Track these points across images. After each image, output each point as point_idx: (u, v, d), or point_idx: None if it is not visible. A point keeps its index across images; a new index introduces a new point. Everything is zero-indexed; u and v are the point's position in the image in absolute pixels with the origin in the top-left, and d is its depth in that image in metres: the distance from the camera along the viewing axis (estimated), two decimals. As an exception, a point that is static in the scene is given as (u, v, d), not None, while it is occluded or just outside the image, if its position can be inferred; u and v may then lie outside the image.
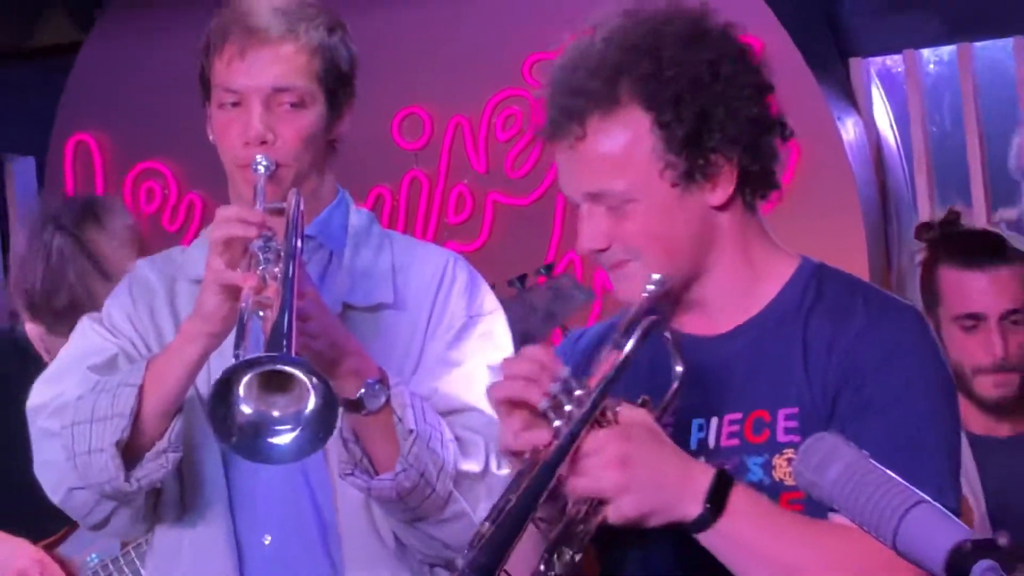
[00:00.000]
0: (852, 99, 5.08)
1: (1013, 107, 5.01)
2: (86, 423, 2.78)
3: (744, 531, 2.23)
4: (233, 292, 2.72)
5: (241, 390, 2.55)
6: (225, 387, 2.54)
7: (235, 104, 2.84)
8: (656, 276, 2.35)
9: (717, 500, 2.22)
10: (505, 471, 2.84)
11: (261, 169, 2.80)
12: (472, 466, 2.83)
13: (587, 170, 2.35)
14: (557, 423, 2.23)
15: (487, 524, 2.18)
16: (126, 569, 3.82)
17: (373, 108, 5.17)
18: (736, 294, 2.43)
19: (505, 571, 2.15)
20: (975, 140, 5.03)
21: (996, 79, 5.09)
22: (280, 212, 2.81)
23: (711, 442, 2.37)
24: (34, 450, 2.89)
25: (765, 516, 2.23)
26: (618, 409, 2.26)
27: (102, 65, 5.77)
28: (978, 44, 5.08)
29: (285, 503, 2.89)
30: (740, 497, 2.23)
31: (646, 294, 2.35)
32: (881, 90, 5.20)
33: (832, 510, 2.08)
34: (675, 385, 2.32)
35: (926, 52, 5.18)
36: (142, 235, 4.15)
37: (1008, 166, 5.11)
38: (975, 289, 3.63)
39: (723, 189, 2.37)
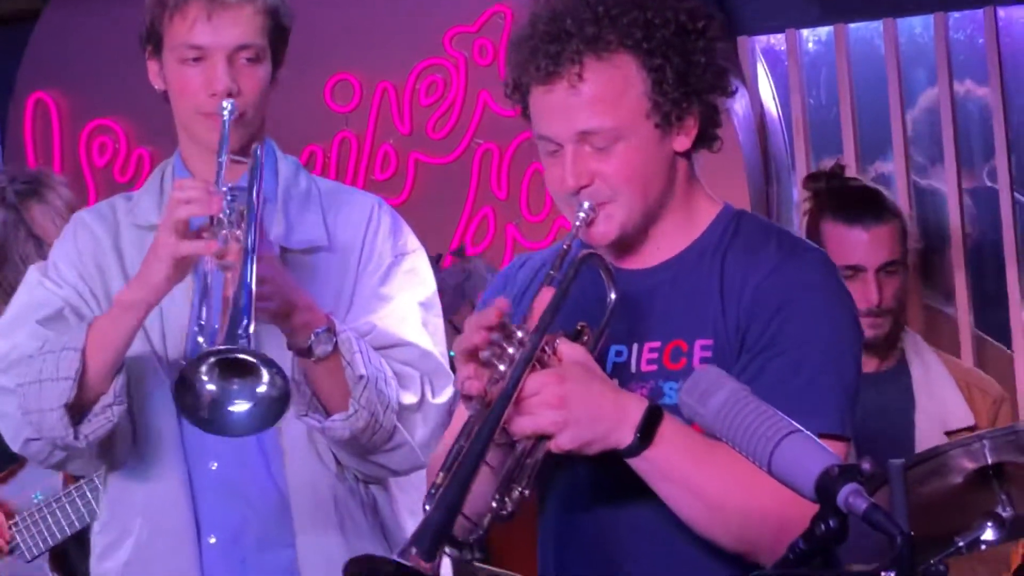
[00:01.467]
0: (739, 73, 5.09)
1: (882, 82, 5.03)
2: (35, 383, 2.77)
3: (670, 459, 2.24)
4: (185, 265, 2.70)
5: (203, 372, 2.53)
6: (186, 376, 2.53)
7: (196, 60, 2.83)
8: (586, 205, 2.32)
9: (647, 430, 2.22)
10: (440, 400, 2.84)
11: (225, 114, 2.78)
12: (410, 398, 2.83)
13: (581, 109, 2.33)
14: (502, 367, 2.21)
15: (441, 474, 2.17)
16: (68, 507, 3.78)
17: (308, 74, 5.15)
18: (669, 234, 2.42)
19: (463, 514, 2.14)
20: (848, 111, 5.06)
21: (867, 57, 5.11)
22: (241, 163, 2.79)
23: (632, 367, 2.37)
24: None
25: (689, 447, 2.24)
26: (557, 343, 2.25)
27: (60, 30, 5.70)
28: (852, 26, 5.11)
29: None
30: (668, 428, 2.24)
31: (579, 225, 2.33)
32: (765, 65, 5.22)
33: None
34: (608, 313, 2.31)
35: (806, 32, 5.20)
36: (93, 187, 4.11)
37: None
38: (856, 244, 3.67)
39: (686, 135, 2.39)
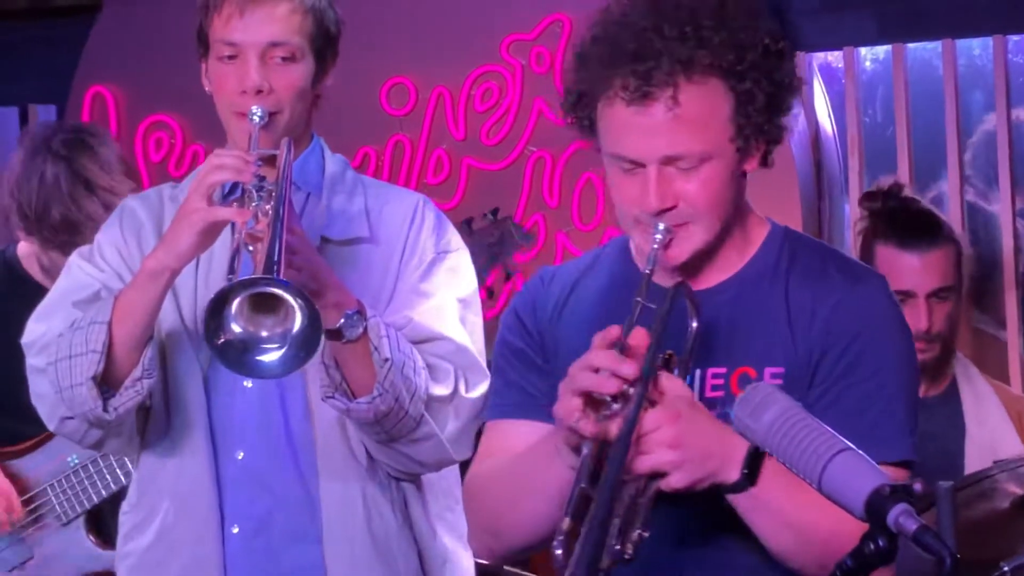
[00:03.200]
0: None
1: (939, 102, 5.00)
2: (66, 359, 2.78)
3: (771, 494, 2.22)
4: (213, 232, 2.70)
5: (233, 308, 2.53)
6: (219, 305, 2.52)
7: (232, 57, 2.85)
8: (662, 227, 2.29)
9: (753, 467, 2.20)
10: (473, 395, 2.83)
11: (256, 119, 2.80)
12: (442, 390, 2.82)
13: (673, 133, 2.27)
14: (616, 405, 2.18)
15: (568, 519, 2.14)
16: (104, 470, 3.80)
17: (364, 77, 5.16)
18: (725, 254, 2.40)
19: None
20: (903, 131, 5.03)
21: (925, 77, 5.08)
22: (271, 160, 2.80)
23: (696, 392, 2.34)
24: (29, 384, 2.87)
25: (787, 482, 2.20)
26: (659, 376, 2.22)
27: (120, 25, 5.73)
28: (910, 45, 5.07)
29: (259, 423, 2.88)
30: (772, 465, 2.20)
31: (656, 247, 2.28)
32: (821, 82, 5.19)
33: None
34: (692, 341, 2.27)
35: (863, 50, 5.16)
36: (125, 160, 4.13)
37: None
38: (908, 269, 3.62)
39: (755, 157, 2.35)
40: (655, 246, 2.29)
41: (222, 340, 2.54)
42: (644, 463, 2.18)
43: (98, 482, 3.80)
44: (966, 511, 2.94)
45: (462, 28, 5.35)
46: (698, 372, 2.35)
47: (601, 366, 2.19)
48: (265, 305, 2.55)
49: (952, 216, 4.83)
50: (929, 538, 1.76)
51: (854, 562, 1.79)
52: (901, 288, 3.59)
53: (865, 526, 1.88)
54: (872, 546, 1.79)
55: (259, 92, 2.81)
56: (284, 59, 2.85)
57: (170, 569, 2.91)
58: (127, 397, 2.78)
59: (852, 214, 5.04)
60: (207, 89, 2.92)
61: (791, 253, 2.40)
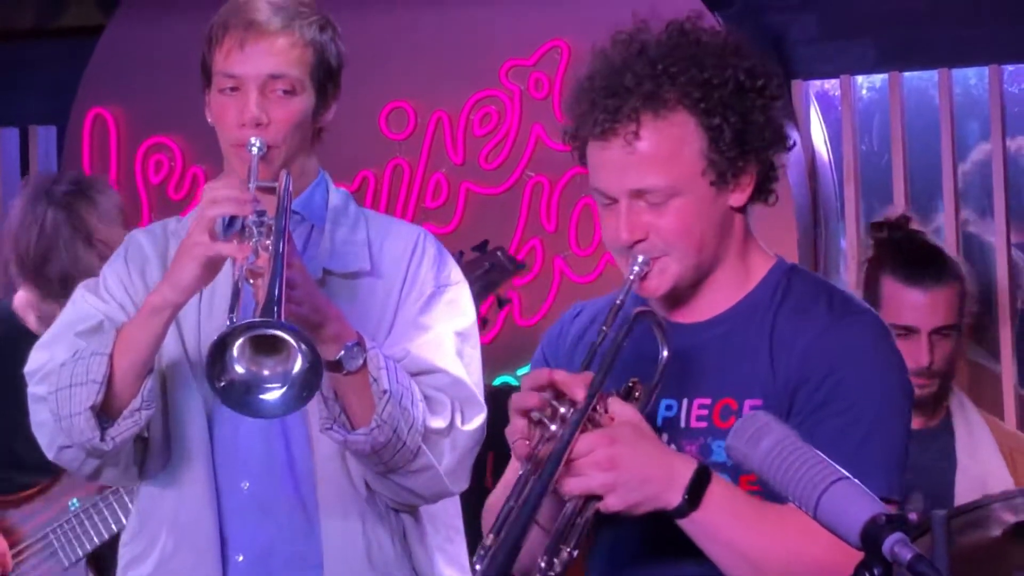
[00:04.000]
0: (792, 117, 5.08)
1: (935, 131, 5.01)
2: (66, 388, 2.78)
3: (717, 520, 2.24)
4: (215, 266, 2.71)
5: (235, 351, 2.54)
6: (221, 347, 2.53)
7: (233, 89, 2.85)
8: (640, 259, 2.32)
9: (695, 492, 2.21)
10: (469, 427, 2.85)
11: (255, 150, 2.80)
12: (439, 423, 2.82)
13: (637, 167, 2.31)
14: (553, 427, 2.21)
15: (492, 535, 2.18)
16: (105, 512, 3.80)
17: (363, 100, 5.17)
18: (722, 288, 2.41)
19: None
20: (900, 159, 5.04)
21: (921, 106, 5.09)
22: (271, 190, 2.80)
23: (682, 422, 2.36)
24: (30, 412, 2.88)
25: (736, 509, 2.24)
26: (609, 402, 2.24)
27: (121, 47, 5.74)
28: (907, 74, 5.09)
29: (263, 454, 2.88)
30: (716, 490, 2.23)
31: (632, 279, 2.33)
32: (818, 110, 5.20)
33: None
34: (660, 370, 2.30)
35: (860, 78, 5.18)
36: (125, 211, 4.14)
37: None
38: (912, 305, 3.61)
39: (743, 191, 2.36)
40: (631, 277, 2.34)
41: (224, 382, 2.55)
42: (576, 485, 2.21)
43: (99, 524, 3.80)
44: (959, 539, 2.94)
45: (462, 53, 5.36)
46: (685, 402, 2.38)
47: (531, 385, 2.26)
48: (267, 345, 2.56)
49: (947, 246, 4.84)
50: (924, 567, 1.76)
51: (849, 591, 1.79)
52: (905, 323, 3.58)
53: (829, 562, 1.90)
54: (867, 575, 1.79)
55: (258, 125, 2.82)
56: (285, 92, 2.84)
57: (169, 600, 2.91)
58: (125, 428, 2.78)
59: (848, 242, 5.05)
60: (209, 121, 2.92)
61: (786, 288, 2.41)
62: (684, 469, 2.23)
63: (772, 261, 2.45)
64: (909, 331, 3.58)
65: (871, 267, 3.71)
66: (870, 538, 1.80)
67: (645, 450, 2.23)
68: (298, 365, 2.55)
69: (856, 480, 1.89)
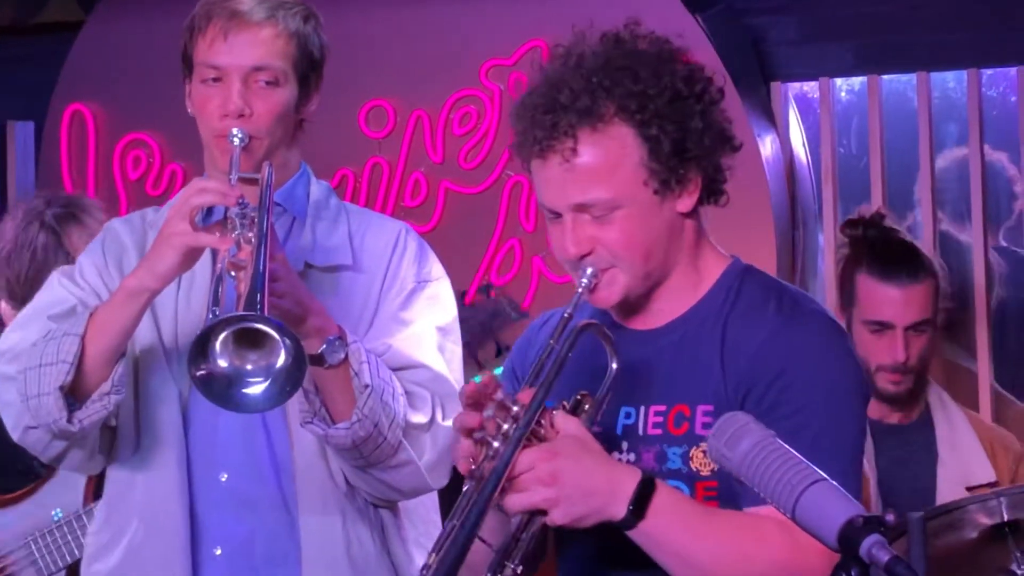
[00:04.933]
0: (771, 119, 5.09)
1: (913, 134, 5.02)
2: (35, 368, 2.77)
3: (663, 530, 2.23)
4: (194, 255, 2.70)
5: (218, 345, 2.53)
6: (203, 341, 2.52)
7: (216, 80, 2.84)
8: (589, 271, 2.32)
9: (640, 503, 2.20)
10: (449, 423, 2.84)
11: (236, 141, 2.79)
12: (419, 418, 2.82)
13: (577, 181, 2.31)
14: (495, 444, 2.21)
15: (433, 555, 2.19)
16: (88, 525, 3.76)
17: (343, 99, 5.16)
18: (675, 293, 2.40)
19: None
20: (877, 161, 5.05)
21: (899, 109, 5.10)
22: (252, 181, 2.79)
23: (640, 430, 2.35)
24: None
25: (683, 518, 2.24)
26: (554, 415, 2.24)
27: (100, 43, 5.73)
28: (885, 77, 5.10)
29: (243, 447, 2.87)
30: (661, 500, 2.22)
31: (581, 291, 2.33)
32: (797, 112, 5.21)
33: (750, 501, 2.08)
34: (607, 383, 2.29)
35: (839, 81, 5.20)
36: (130, 199, 4.13)
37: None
38: (888, 301, 3.62)
39: (690, 196, 2.36)
40: (579, 290, 2.34)
41: (206, 374, 2.54)
42: (519, 501, 2.21)
43: (81, 537, 3.78)
44: (935, 541, 2.95)
45: (442, 52, 5.36)
46: (642, 409, 2.38)
47: (469, 402, 2.25)
48: (250, 339, 2.55)
49: (925, 247, 4.84)
50: (901, 569, 1.76)
51: (827, 593, 1.80)
52: (881, 319, 3.60)
53: (779, 564, 1.89)
54: (844, 577, 1.79)
55: (240, 116, 2.81)
56: (267, 83, 2.84)
57: (137, 592, 2.89)
58: (93, 411, 2.77)
59: (826, 244, 5.06)
60: (189, 111, 2.91)
61: (737, 292, 2.40)
62: (628, 481, 2.23)
63: (726, 262, 2.44)
64: (884, 327, 3.60)
65: (846, 264, 3.72)
66: (848, 540, 1.80)
67: (587, 464, 2.23)
68: (281, 360, 2.54)
69: (834, 482, 1.89)
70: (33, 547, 3.80)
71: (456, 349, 2.93)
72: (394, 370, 2.80)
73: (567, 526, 2.22)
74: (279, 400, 2.59)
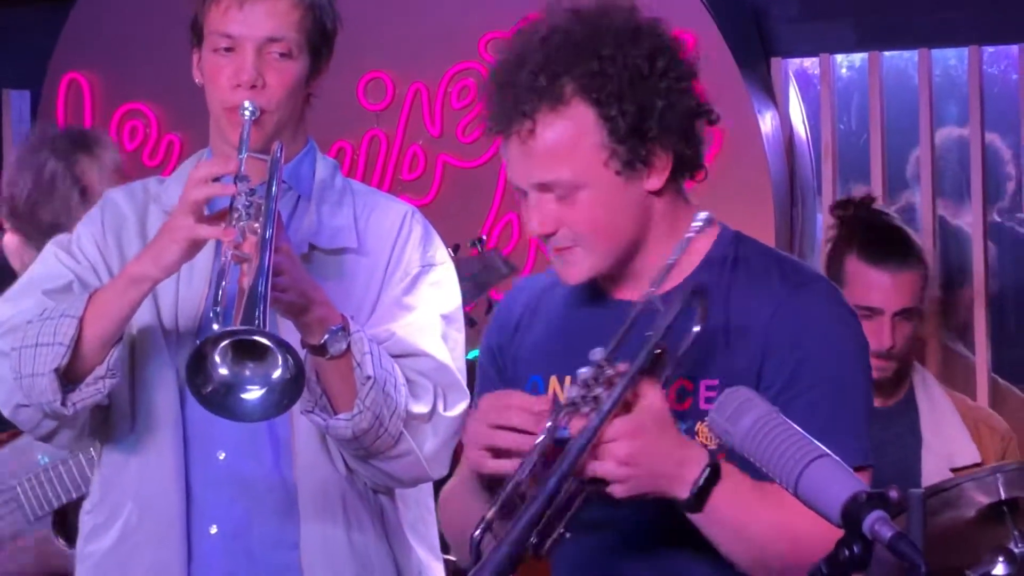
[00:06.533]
0: (771, 95, 5.09)
1: (913, 111, 5.01)
2: (31, 347, 2.74)
3: (722, 514, 2.22)
4: (198, 246, 2.68)
5: (216, 354, 2.52)
6: (202, 350, 2.51)
7: (228, 49, 2.80)
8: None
9: (703, 489, 2.20)
10: (451, 413, 2.82)
11: (247, 114, 2.75)
12: (421, 408, 2.79)
13: (537, 162, 2.29)
14: (584, 409, 2.19)
15: (495, 508, 2.18)
16: (75, 471, 3.76)
17: (342, 70, 5.03)
18: (661, 265, 2.38)
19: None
20: (877, 138, 5.04)
21: (900, 86, 5.09)
22: (261, 161, 2.76)
23: None
24: None
25: (741, 500, 2.21)
26: (641, 383, 2.21)
27: (97, 12, 5.71)
28: (886, 54, 5.08)
29: (243, 428, 2.82)
30: (725, 486, 2.21)
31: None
32: (797, 89, 5.20)
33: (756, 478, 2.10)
34: (688, 343, 2.26)
35: (840, 57, 5.19)
36: (125, 169, 4.10)
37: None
38: (877, 286, 3.60)
39: (659, 175, 2.33)
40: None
41: (206, 384, 2.53)
42: (591, 469, 2.19)
43: (67, 482, 3.77)
44: (932, 519, 2.95)
45: (440, 25, 5.34)
46: None
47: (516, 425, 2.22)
48: (249, 347, 2.53)
49: (924, 228, 4.84)
50: (904, 545, 1.76)
51: (828, 568, 1.79)
52: (868, 304, 3.57)
53: (828, 539, 1.89)
54: (847, 552, 1.79)
55: (253, 87, 2.77)
56: (281, 55, 2.79)
57: (132, 572, 2.87)
58: (87, 394, 2.75)
59: (825, 220, 5.04)
60: (197, 81, 2.87)
61: (735, 261, 2.38)
62: (696, 465, 2.20)
63: (716, 230, 2.41)
64: (872, 312, 3.57)
65: (835, 246, 3.70)
66: (851, 516, 1.79)
67: (664, 446, 2.20)
68: (279, 372, 2.53)
69: (836, 457, 1.88)
70: (19, 490, 3.80)
71: (459, 337, 2.91)
72: (396, 357, 2.77)
73: (623, 499, 2.21)
74: (275, 411, 2.56)
